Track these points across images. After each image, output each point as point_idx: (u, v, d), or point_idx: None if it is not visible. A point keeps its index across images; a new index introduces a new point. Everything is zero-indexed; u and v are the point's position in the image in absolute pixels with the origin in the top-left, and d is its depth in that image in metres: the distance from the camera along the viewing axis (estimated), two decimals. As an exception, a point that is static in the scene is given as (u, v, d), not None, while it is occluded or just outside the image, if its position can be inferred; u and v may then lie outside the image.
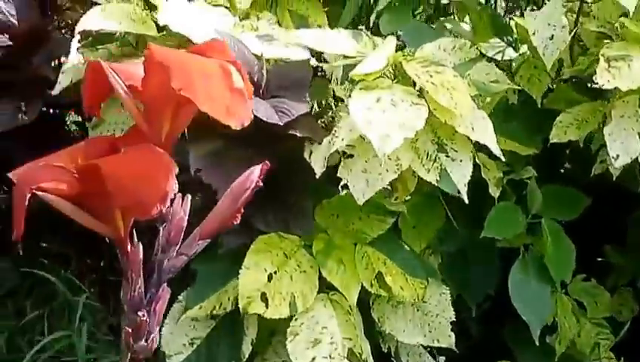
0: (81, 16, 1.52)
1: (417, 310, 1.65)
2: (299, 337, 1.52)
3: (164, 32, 1.58)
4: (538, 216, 1.72)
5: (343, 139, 1.46)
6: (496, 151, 1.53)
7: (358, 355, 1.55)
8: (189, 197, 0.78)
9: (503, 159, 1.55)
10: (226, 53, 0.77)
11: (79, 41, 1.56)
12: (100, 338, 1.81)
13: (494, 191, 1.65)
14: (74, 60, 1.53)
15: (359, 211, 1.60)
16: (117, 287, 1.89)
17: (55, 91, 1.61)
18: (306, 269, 1.55)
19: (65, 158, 0.77)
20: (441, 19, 1.91)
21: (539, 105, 1.76)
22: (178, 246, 0.77)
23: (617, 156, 1.51)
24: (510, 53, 1.85)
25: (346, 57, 1.55)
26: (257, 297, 1.51)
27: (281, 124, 1.43)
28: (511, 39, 1.84)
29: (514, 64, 1.80)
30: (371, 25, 1.75)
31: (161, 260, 0.77)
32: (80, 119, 2.21)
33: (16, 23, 1.84)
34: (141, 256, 0.76)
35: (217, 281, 1.60)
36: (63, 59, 1.69)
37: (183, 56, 0.75)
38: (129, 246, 0.77)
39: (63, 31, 2.03)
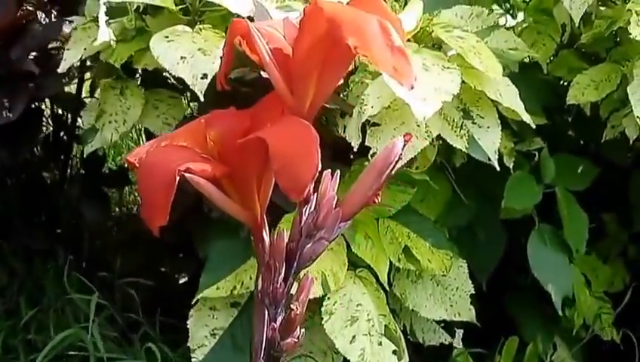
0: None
1: (437, 284, 1.54)
2: (335, 316, 1.40)
3: (182, 6, 1.48)
4: (551, 185, 1.65)
5: (373, 107, 1.35)
6: (526, 117, 1.45)
7: (393, 331, 1.47)
8: (338, 173, 0.68)
9: (533, 125, 1.49)
10: (379, 7, 0.67)
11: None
12: (107, 334, 1.68)
13: (508, 162, 1.58)
14: (104, 32, 1.40)
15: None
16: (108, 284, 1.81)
17: (61, 68, 1.49)
18: (333, 246, 1.41)
19: (186, 138, 0.66)
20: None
21: (545, 71, 1.69)
22: (325, 230, 0.66)
23: (641, 115, 1.43)
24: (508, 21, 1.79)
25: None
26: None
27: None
28: (508, 6, 1.78)
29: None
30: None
31: (303, 245, 0.66)
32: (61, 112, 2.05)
33: (-7, 17, 1.69)
34: (285, 242, 0.65)
35: (234, 259, 1.47)
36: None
37: (352, 10, 0.64)
38: (267, 233, 0.67)
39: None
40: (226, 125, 0.65)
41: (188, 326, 1.48)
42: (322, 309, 1.40)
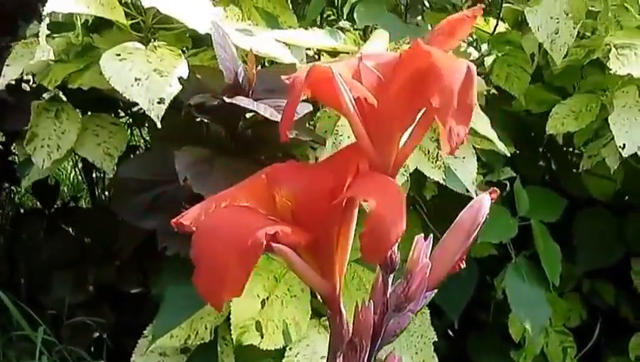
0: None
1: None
2: (297, 368, 1.34)
3: (133, 20, 1.42)
4: (525, 218, 1.65)
5: (349, 137, 1.30)
6: (500, 146, 1.44)
7: (358, 385, 1.41)
8: (431, 237, 0.62)
9: (508, 153, 1.49)
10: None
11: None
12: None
13: (479, 194, 1.56)
14: (45, 49, 1.31)
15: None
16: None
17: (-1, 85, 1.40)
18: (296, 293, 1.38)
19: (247, 197, 0.59)
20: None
21: (523, 104, 1.70)
22: (416, 302, 0.60)
23: (624, 145, 1.45)
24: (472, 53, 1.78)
25: (334, 53, 1.44)
26: (252, 326, 1.35)
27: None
28: (471, 39, 1.78)
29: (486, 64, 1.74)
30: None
31: (389, 319, 0.60)
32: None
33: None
34: (372, 318, 0.59)
35: (190, 305, 1.40)
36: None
37: (448, 58, 0.58)
38: (349, 307, 0.60)
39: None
40: (302, 183, 0.58)
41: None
42: (284, 361, 1.35)
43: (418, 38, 0.56)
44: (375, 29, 1.59)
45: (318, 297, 1.38)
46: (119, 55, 1.32)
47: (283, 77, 0.62)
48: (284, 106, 0.62)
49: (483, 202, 0.61)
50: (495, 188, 0.61)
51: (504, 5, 1.74)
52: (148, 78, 1.29)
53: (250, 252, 0.53)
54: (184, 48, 1.50)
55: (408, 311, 0.59)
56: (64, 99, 1.57)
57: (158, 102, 1.28)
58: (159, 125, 1.26)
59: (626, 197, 1.95)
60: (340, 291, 0.59)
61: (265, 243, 0.53)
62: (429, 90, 0.57)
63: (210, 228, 0.56)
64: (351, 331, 0.59)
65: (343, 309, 0.59)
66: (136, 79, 1.29)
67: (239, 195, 0.59)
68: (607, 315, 1.91)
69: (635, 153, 1.47)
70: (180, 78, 1.31)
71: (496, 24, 1.80)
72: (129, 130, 1.95)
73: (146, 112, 1.28)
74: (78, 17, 1.43)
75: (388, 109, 0.58)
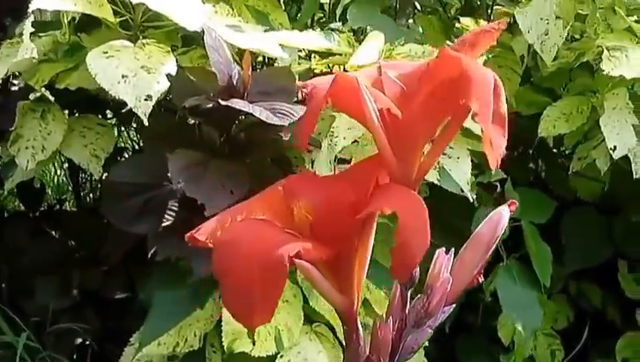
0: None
1: (391, 339, 1.52)
2: (286, 377, 1.32)
3: (121, 18, 1.39)
4: (516, 219, 1.65)
5: (344, 138, 1.29)
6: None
7: (350, 395, 1.40)
8: (452, 252, 0.61)
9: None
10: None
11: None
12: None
13: (471, 195, 1.55)
14: (28, 47, 1.28)
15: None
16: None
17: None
18: (288, 298, 1.36)
19: (264, 210, 0.57)
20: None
21: (513, 105, 1.68)
22: (435, 318, 0.59)
23: (615, 147, 1.45)
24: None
25: (326, 54, 1.42)
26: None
27: (286, 125, 1.25)
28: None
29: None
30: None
31: (407, 335, 0.58)
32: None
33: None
34: (390, 335, 0.57)
35: (179, 311, 1.37)
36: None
37: (478, 67, 0.57)
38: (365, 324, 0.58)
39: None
40: (322, 196, 0.56)
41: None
42: (273, 369, 1.33)
43: (445, 47, 0.55)
44: (366, 30, 1.58)
45: (310, 303, 1.37)
46: (106, 52, 1.29)
47: (299, 83, 0.61)
48: (304, 113, 0.60)
49: (502, 214, 0.59)
50: (514, 200, 0.60)
51: (494, 7, 1.73)
52: (135, 75, 1.26)
53: (275, 272, 0.51)
54: (174, 46, 1.47)
55: (427, 326, 0.57)
56: (51, 99, 1.53)
57: (145, 99, 1.25)
58: (146, 122, 1.23)
59: (613, 199, 1.95)
60: (357, 307, 0.57)
61: (287, 264, 0.51)
62: (461, 96, 0.55)
63: (229, 245, 0.55)
64: (367, 349, 0.57)
65: (359, 326, 0.57)
66: (123, 76, 1.26)
67: (255, 208, 0.58)
68: (594, 318, 1.90)
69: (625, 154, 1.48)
70: (169, 75, 1.28)
71: (487, 26, 1.79)
72: (116, 132, 1.92)
73: (133, 110, 1.25)
74: (65, 15, 1.39)
75: (412, 120, 0.57)
